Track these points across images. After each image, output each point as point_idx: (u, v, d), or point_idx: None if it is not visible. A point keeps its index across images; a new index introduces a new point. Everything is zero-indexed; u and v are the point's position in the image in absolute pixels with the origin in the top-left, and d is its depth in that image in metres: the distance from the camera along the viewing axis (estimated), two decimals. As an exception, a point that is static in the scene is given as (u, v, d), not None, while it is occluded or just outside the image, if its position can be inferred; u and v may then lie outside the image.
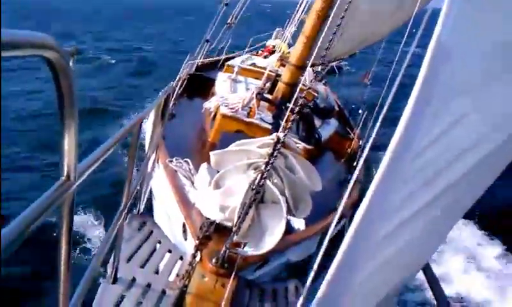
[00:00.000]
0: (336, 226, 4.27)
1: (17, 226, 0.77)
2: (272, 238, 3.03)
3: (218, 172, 3.62)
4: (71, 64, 0.84)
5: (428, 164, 1.65)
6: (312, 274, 1.77)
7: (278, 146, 3.25)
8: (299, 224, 3.51)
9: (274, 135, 3.43)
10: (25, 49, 0.65)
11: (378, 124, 1.83)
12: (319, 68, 6.44)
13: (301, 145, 4.75)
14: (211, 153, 3.73)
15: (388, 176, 1.57)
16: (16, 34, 0.62)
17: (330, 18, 4.37)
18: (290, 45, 9.48)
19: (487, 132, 1.71)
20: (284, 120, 3.68)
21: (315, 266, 1.76)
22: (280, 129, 3.48)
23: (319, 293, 1.61)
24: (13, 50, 0.61)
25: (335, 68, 11.40)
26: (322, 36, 4.45)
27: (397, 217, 1.66)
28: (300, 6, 10.28)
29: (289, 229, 3.35)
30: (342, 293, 1.68)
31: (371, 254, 1.70)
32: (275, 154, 3.20)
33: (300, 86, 4.23)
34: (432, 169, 1.67)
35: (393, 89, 1.76)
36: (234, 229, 2.85)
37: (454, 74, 1.60)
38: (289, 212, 3.39)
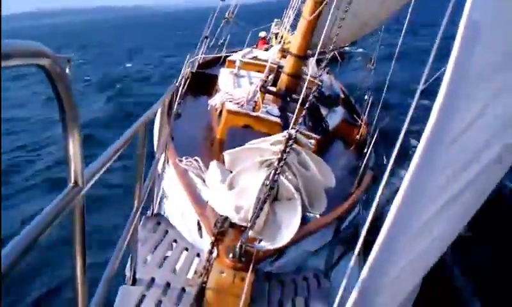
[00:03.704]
0: (351, 213, 4.22)
1: (28, 235, 0.76)
2: (287, 233, 3.01)
3: (229, 170, 3.61)
4: (67, 71, 0.84)
5: (465, 147, 1.58)
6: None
7: (290, 142, 3.24)
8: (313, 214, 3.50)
9: (285, 132, 3.43)
10: (19, 59, 0.64)
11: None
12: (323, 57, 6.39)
13: (313, 141, 4.72)
14: (225, 153, 3.73)
15: (425, 163, 1.51)
16: (9, 44, 0.61)
17: (333, 5, 4.32)
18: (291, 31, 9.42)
19: None
20: (294, 115, 3.65)
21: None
22: (291, 125, 3.46)
23: (353, 293, 1.56)
24: (7, 60, 0.60)
25: (337, 56, 11.33)
26: (326, 23, 4.41)
27: (434, 205, 1.60)
28: None
29: (304, 220, 3.33)
30: (376, 291, 1.63)
31: (407, 246, 1.63)
32: (287, 150, 3.19)
33: (307, 77, 4.18)
34: (469, 153, 1.60)
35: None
36: (249, 224, 2.84)
37: (485, 54, 1.52)
38: (304, 208, 3.38)
